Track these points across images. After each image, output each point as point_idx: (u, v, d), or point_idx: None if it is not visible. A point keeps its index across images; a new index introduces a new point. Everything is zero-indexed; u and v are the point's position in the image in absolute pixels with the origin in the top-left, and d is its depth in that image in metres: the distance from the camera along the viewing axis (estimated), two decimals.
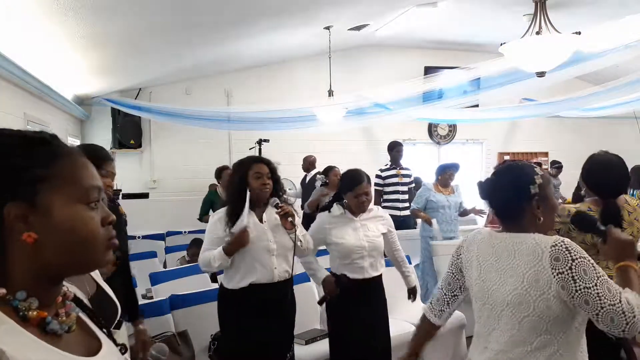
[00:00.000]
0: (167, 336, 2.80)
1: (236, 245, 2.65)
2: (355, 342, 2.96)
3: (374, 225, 3.10)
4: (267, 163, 2.82)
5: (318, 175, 6.18)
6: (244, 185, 2.74)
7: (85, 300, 0.95)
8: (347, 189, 3.06)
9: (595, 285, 1.50)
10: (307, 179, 6.77)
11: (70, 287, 0.90)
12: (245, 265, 2.71)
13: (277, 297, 2.74)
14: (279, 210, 2.71)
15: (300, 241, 2.79)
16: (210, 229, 2.81)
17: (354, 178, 3.06)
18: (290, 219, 2.70)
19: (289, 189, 6.97)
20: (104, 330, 0.94)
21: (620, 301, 1.48)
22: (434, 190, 5.33)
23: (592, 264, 1.54)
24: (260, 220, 2.77)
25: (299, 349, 3.28)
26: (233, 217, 2.71)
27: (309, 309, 3.68)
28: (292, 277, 2.84)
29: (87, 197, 0.83)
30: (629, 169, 2.60)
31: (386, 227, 3.19)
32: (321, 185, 5.94)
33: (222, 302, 2.84)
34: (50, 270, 0.81)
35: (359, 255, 2.97)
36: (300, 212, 6.39)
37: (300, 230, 2.82)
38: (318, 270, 3.04)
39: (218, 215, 2.80)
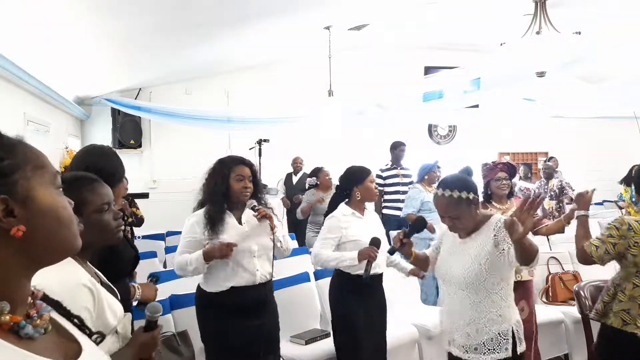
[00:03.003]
0: (167, 336, 2.79)
1: (216, 255, 2.58)
2: (359, 338, 2.95)
3: (376, 223, 3.15)
4: (250, 165, 2.76)
5: (308, 179, 6.20)
6: (225, 187, 2.68)
7: (61, 300, 0.90)
8: (359, 181, 3.07)
9: None
10: (295, 180, 6.96)
11: (38, 285, 0.84)
12: (226, 268, 2.65)
13: (258, 299, 2.70)
14: (257, 213, 2.68)
15: (280, 242, 2.77)
16: (187, 231, 2.72)
17: (362, 170, 3.13)
18: (267, 222, 2.67)
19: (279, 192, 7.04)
20: (86, 331, 0.90)
21: None
22: (425, 190, 5.21)
23: None
24: (240, 222, 2.73)
25: (299, 349, 3.28)
26: (212, 220, 2.64)
27: (309, 309, 3.68)
28: (272, 278, 2.81)
29: (56, 180, 0.80)
30: (632, 169, 2.59)
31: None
32: (310, 187, 5.92)
33: (201, 306, 2.78)
34: (33, 263, 0.77)
35: None
36: (280, 210, 6.49)
37: (280, 231, 2.79)
38: (343, 254, 2.93)
39: (195, 219, 2.71)
